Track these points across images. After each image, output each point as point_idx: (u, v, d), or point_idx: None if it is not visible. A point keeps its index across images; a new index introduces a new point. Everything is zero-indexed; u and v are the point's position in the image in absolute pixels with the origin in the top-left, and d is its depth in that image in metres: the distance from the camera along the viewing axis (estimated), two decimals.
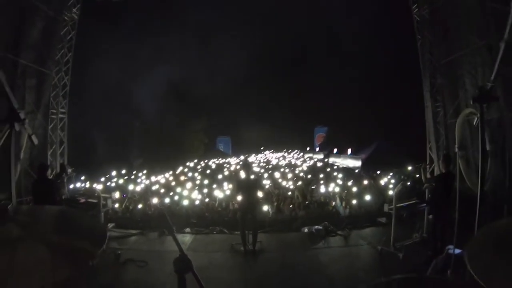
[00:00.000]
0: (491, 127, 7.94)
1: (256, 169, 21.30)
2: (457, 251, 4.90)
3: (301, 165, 23.87)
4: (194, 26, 23.95)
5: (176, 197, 12.37)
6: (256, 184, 8.47)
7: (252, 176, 8.76)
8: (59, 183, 8.35)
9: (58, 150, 10.29)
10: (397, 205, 7.47)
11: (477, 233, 1.79)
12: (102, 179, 15.54)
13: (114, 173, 17.47)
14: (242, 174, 9.26)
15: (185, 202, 11.45)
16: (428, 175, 8.41)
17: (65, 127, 10.81)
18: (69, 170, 10.88)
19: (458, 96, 9.97)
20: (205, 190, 13.73)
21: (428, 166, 10.70)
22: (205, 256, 7.40)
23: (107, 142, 19.98)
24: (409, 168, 14.81)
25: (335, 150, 25.43)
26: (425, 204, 7.99)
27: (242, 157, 31.57)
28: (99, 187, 12.02)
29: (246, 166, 9.16)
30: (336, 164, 23.27)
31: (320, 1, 16.80)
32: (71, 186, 11.71)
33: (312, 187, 14.53)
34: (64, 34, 8.73)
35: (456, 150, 6.90)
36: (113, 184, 15.14)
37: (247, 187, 8.11)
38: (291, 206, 11.41)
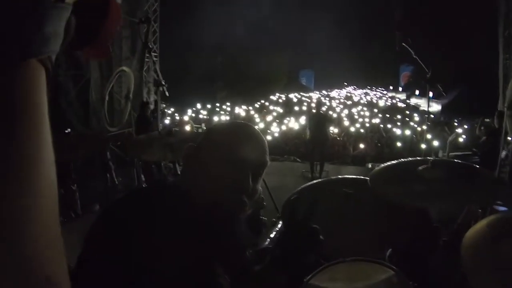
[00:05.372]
0: None
1: (335, 104, 21.61)
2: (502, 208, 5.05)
3: (381, 104, 23.52)
4: None
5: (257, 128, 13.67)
6: (325, 119, 9.36)
7: (322, 112, 9.65)
8: (155, 117, 9.79)
9: (152, 89, 11.79)
10: (450, 153, 7.63)
11: None
12: (189, 112, 17.51)
13: (199, 105, 19.23)
14: (314, 110, 10.31)
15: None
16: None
17: (157, 69, 12.20)
18: (163, 106, 12.46)
19: None
20: (284, 123, 14.85)
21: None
22: (278, 178, 8.32)
23: (193, 78, 21.54)
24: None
25: (417, 92, 24.04)
26: (477, 157, 7.81)
27: (324, 92, 31.36)
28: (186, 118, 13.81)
29: (318, 103, 10.48)
30: (418, 105, 22.35)
31: None
32: (167, 120, 13.60)
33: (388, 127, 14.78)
34: None
35: (505, 108, 6.60)
36: (200, 116, 17.04)
37: (318, 121, 9.05)
38: (361, 145, 11.70)
